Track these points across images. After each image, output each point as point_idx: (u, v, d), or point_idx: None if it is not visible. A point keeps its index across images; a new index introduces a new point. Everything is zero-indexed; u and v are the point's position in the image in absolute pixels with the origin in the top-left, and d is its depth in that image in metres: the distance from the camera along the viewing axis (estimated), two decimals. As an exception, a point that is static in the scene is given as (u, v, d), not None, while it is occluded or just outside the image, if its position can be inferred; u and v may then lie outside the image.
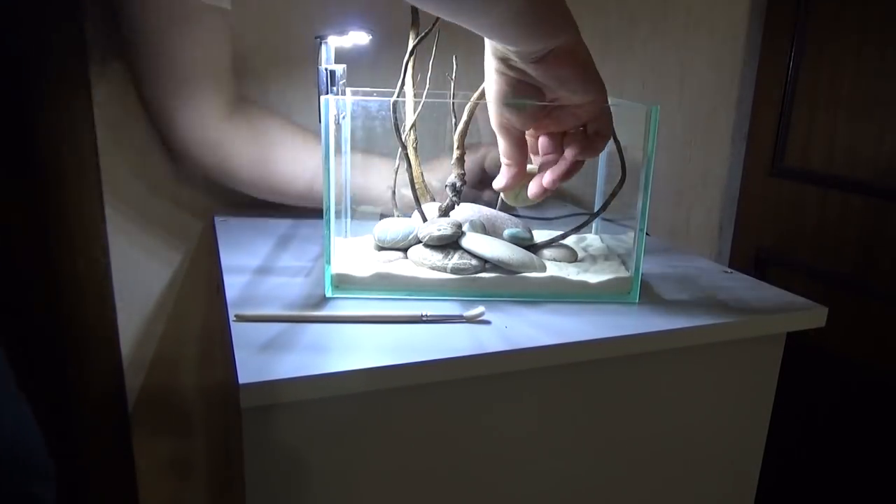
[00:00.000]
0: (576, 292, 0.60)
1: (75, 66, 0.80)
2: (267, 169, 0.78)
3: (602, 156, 0.71)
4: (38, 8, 0.76)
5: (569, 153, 0.56)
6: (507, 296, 0.59)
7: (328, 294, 0.58)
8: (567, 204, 0.91)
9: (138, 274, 0.89)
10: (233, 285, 0.59)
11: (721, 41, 1.15)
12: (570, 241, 0.67)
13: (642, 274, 0.60)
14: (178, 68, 0.72)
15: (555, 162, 0.57)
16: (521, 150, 0.59)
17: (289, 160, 0.78)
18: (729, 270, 0.69)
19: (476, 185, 0.77)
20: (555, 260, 0.63)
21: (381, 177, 0.73)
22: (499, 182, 0.60)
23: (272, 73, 0.88)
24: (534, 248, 0.63)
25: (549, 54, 0.51)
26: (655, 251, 0.75)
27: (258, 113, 0.80)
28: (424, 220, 0.62)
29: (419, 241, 0.61)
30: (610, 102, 0.62)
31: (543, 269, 0.61)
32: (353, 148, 0.68)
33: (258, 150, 0.78)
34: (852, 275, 1.05)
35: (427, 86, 0.63)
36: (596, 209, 0.73)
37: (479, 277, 0.59)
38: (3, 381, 0.49)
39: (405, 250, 0.62)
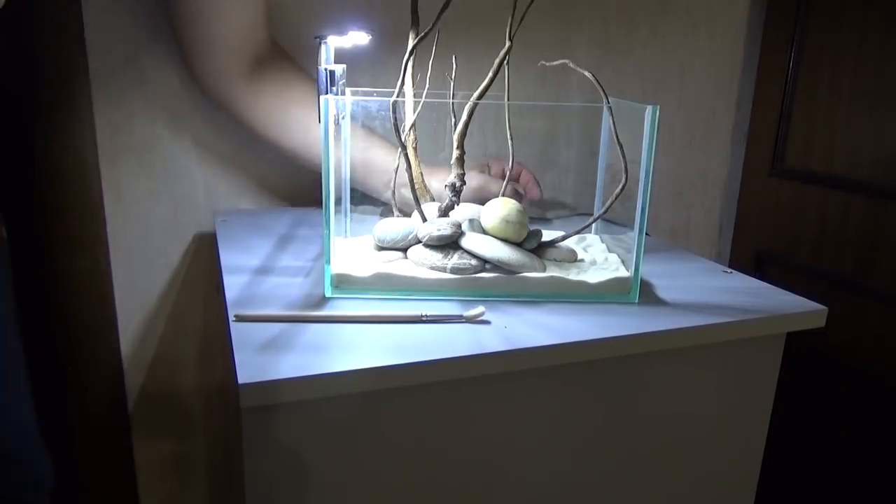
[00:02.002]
0: (576, 292, 0.60)
1: (76, 66, 0.80)
2: (288, 131, 0.79)
3: (601, 156, 0.71)
4: (37, 7, 0.76)
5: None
6: (506, 296, 0.59)
7: (328, 294, 0.58)
8: (567, 204, 0.91)
9: (138, 274, 0.89)
10: (233, 285, 0.59)
11: (721, 41, 1.15)
12: (571, 241, 0.67)
13: (642, 274, 0.60)
14: (196, 23, 0.73)
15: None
16: None
17: (309, 123, 0.78)
18: (729, 270, 0.69)
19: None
20: (555, 260, 0.63)
21: (384, 161, 0.74)
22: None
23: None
24: (534, 248, 0.63)
25: None
26: (655, 251, 0.75)
27: (282, 73, 0.79)
28: (424, 220, 0.62)
29: (419, 241, 0.61)
30: (611, 102, 0.62)
31: (543, 269, 0.61)
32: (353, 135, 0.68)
33: (278, 111, 0.78)
34: (852, 275, 1.05)
35: (427, 86, 0.63)
36: (596, 209, 0.73)
37: (478, 277, 0.59)
38: (16, 381, 0.49)
39: (405, 250, 0.62)
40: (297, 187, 0.94)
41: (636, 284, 0.59)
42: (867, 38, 1.01)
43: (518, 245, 0.61)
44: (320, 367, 0.45)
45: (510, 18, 0.58)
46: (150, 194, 0.88)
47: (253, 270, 0.64)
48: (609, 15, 1.05)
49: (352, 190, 0.71)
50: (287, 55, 0.82)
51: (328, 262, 0.57)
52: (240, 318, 0.52)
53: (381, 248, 0.62)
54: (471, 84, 0.60)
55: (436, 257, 0.59)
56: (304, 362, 0.45)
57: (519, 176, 0.81)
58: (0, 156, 0.79)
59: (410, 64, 0.60)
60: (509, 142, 0.66)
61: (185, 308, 0.93)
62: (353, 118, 0.67)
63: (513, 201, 0.61)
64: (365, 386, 0.46)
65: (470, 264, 0.59)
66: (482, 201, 0.64)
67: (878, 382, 1.02)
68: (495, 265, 0.59)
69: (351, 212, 0.71)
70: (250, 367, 0.44)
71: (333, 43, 0.63)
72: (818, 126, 1.09)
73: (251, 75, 0.77)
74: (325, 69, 0.61)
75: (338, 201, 0.68)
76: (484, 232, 0.61)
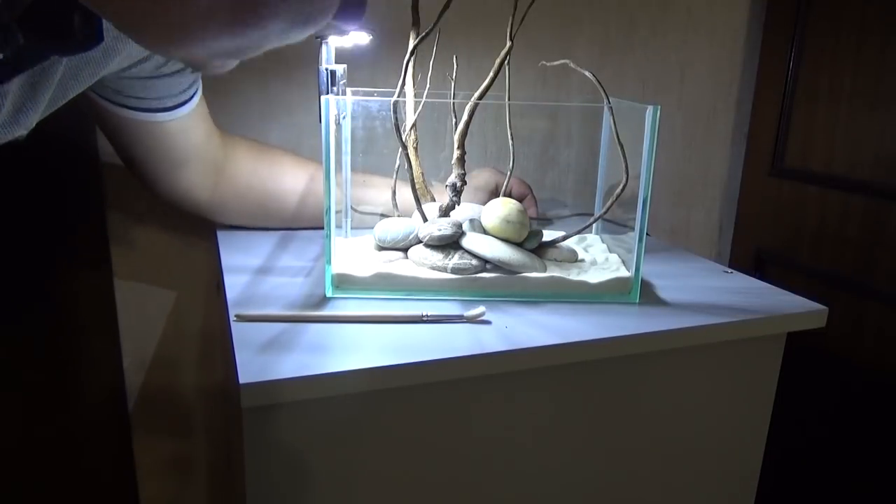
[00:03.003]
0: (576, 292, 0.60)
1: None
2: (265, 211, 0.77)
3: (602, 156, 0.71)
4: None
5: None
6: (507, 296, 0.59)
7: (328, 294, 0.58)
8: (567, 205, 0.91)
9: (138, 274, 0.89)
10: (233, 285, 0.59)
11: (721, 41, 1.15)
12: (571, 241, 0.67)
13: (642, 274, 0.60)
14: (151, 154, 0.69)
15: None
16: None
17: (286, 197, 0.77)
18: (729, 270, 0.70)
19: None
20: (555, 260, 0.63)
21: (381, 193, 0.73)
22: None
23: (272, 72, 0.88)
24: (535, 248, 0.63)
25: None
26: (655, 251, 0.76)
27: (244, 169, 0.76)
28: (425, 220, 0.62)
29: (419, 241, 0.61)
30: (611, 102, 0.62)
31: (544, 269, 0.61)
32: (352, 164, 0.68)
33: (251, 201, 0.76)
34: (852, 275, 1.05)
35: (427, 86, 0.63)
36: (596, 209, 0.73)
37: (479, 277, 0.59)
38: None
39: (405, 250, 0.62)
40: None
41: (636, 284, 0.59)
42: (867, 38, 1.01)
43: (519, 245, 0.61)
44: (321, 367, 0.45)
45: (511, 18, 0.58)
46: (150, 194, 0.87)
47: (254, 270, 0.64)
48: (609, 15, 1.05)
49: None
50: (240, 142, 0.78)
51: (329, 261, 0.57)
52: (241, 318, 0.52)
53: (381, 248, 0.62)
54: (471, 84, 0.60)
55: (436, 257, 0.59)
56: (304, 362, 0.45)
57: (523, 196, 0.80)
58: (1, 157, 0.79)
59: (411, 64, 0.60)
60: (510, 142, 0.66)
61: (185, 308, 0.93)
62: (353, 117, 0.67)
63: (513, 201, 0.61)
64: (365, 386, 0.46)
65: (471, 264, 0.59)
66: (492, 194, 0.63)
67: (878, 382, 1.02)
68: (496, 265, 0.59)
69: (351, 212, 0.71)
70: (251, 367, 0.44)
71: (334, 43, 0.63)
72: (818, 126, 1.09)
73: (215, 187, 0.74)
74: (326, 69, 0.61)
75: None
76: (484, 232, 0.62)
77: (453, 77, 0.64)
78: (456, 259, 0.59)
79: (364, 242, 0.65)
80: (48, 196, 0.82)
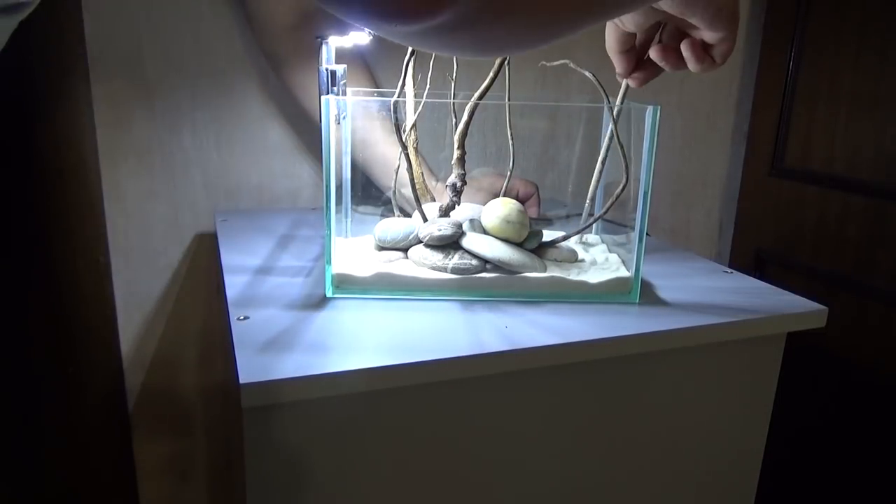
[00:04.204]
0: (576, 292, 0.60)
1: (76, 65, 0.80)
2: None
3: (602, 156, 0.71)
4: (37, 7, 0.76)
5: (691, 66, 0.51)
6: (507, 296, 0.59)
7: (328, 294, 0.58)
8: (567, 204, 0.91)
9: (138, 274, 0.89)
10: (233, 285, 0.59)
11: (721, 41, 1.15)
12: (571, 240, 0.67)
13: (642, 274, 0.60)
14: None
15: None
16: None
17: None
18: (729, 270, 0.70)
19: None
20: (555, 260, 0.63)
21: (383, 153, 0.73)
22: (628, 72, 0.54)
23: (272, 72, 0.88)
24: (535, 248, 0.63)
25: None
26: (655, 251, 0.76)
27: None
28: (425, 220, 0.62)
29: (419, 241, 0.61)
30: (611, 102, 0.62)
31: (544, 269, 0.61)
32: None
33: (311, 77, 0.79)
34: (852, 275, 1.05)
35: (427, 86, 0.63)
36: (596, 209, 0.73)
37: (479, 277, 0.59)
38: None
39: (406, 250, 0.62)
40: (298, 187, 0.94)
41: (636, 284, 0.59)
42: (866, 38, 1.01)
43: (519, 245, 0.61)
44: (321, 367, 0.45)
45: (511, 18, 0.58)
46: (150, 194, 0.88)
47: (254, 270, 0.64)
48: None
49: (355, 182, 0.70)
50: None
51: (329, 261, 0.57)
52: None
53: (381, 248, 0.62)
54: (471, 84, 0.60)
55: (436, 257, 0.59)
56: (305, 362, 0.45)
57: (529, 196, 0.80)
58: None
59: (411, 64, 0.60)
60: (510, 142, 0.66)
61: (185, 308, 0.93)
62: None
63: (513, 201, 0.61)
64: (365, 386, 0.46)
65: (471, 264, 0.59)
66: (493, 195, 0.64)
67: (878, 382, 1.02)
68: (496, 265, 0.59)
69: (352, 212, 0.71)
70: (252, 367, 0.44)
71: (334, 43, 0.63)
72: (818, 126, 1.09)
73: (294, 32, 0.78)
74: (326, 69, 0.61)
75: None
76: (484, 232, 0.62)
77: (453, 77, 0.64)
78: (456, 259, 0.59)
79: (364, 242, 0.65)
80: (48, 195, 0.82)
